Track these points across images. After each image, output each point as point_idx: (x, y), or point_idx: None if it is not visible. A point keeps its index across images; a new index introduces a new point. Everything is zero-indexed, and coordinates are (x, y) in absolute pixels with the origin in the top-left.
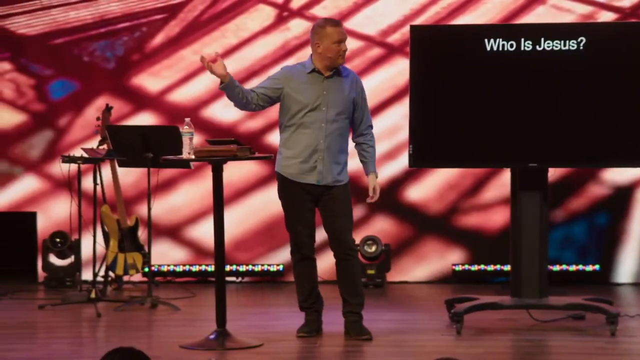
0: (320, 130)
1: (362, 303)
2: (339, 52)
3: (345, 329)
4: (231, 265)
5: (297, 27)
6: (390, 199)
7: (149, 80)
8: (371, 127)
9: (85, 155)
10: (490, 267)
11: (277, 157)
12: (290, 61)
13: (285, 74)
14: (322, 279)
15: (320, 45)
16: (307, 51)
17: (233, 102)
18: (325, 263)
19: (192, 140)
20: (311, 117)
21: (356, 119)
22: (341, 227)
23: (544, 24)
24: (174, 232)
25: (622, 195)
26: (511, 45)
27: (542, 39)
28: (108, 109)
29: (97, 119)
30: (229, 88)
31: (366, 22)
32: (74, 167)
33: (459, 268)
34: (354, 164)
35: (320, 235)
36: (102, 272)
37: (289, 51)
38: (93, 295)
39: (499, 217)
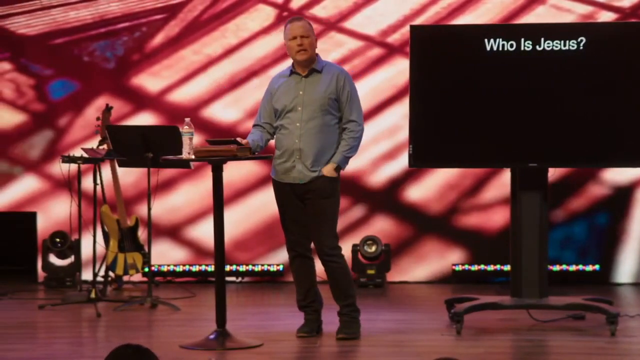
0: (295, 130)
1: (350, 304)
2: (294, 48)
3: None
4: (231, 265)
5: None
6: (390, 199)
7: (149, 80)
8: (353, 122)
9: (85, 155)
10: (490, 267)
11: None
12: (290, 61)
13: (271, 82)
14: (322, 279)
15: (285, 45)
16: None
17: None
18: None
19: (192, 140)
20: (289, 117)
21: (340, 114)
22: (318, 232)
23: (544, 24)
24: (173, 232)
25: (622, 195)
26: (511, 45)
27: (542, 39)
28: (108, 109)
29: (97, 119)
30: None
31: (366, 22)
32: (74, 167)
33: (459, 268)
34: (352, 163)
35: None
36: (102, 272)
37: None
38: (93, 295)
39: (499, 217)
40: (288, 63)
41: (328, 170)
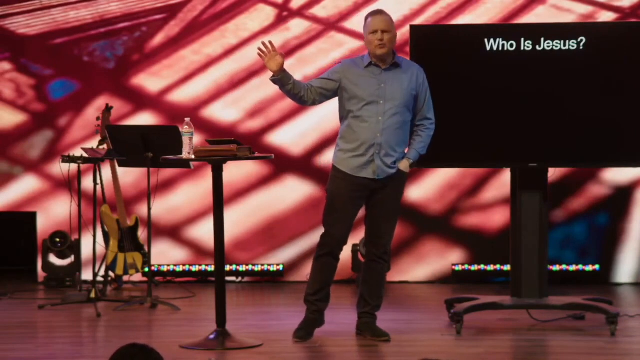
0: (377, 124)
1: (380, 305)
2: (374, 42)
3: (358, 328)
4: (231, 265)
5: (297, 27)
6: None
7: (149, 80)
8: (429, 119)
9: (85, 155)
10: (490, 267)
11: (334, 150)
12: (290, 61)
13: (344, 67)
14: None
15: (365, 39)
16: (307, 51)
17: (286, 96)
18: None
19: (192, 140)
20: (368, 110)
21: (415, 111)
22: (385, 231)
23: (544, 24)
24: (173, 232)
25: (622, 195)
26: (511, 45)
27: (542, 39)
28: (108, 109)
29: (97, 118)
30: (279, 84)
31: None
32: (73, 167)
33: (458, 268)
34: None
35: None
36: (102, 272)
37: (289, 51)
38: (93, 295)
39: (499, 217)
40: (288, 62)
41: (404, 165)
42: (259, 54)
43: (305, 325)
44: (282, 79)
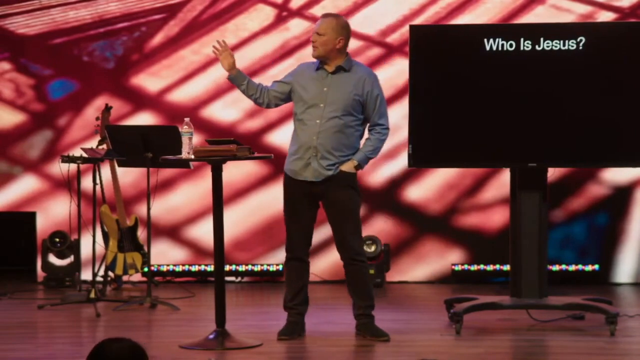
0: (314, 126)
1: (372, 305)
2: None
3: (357, 330)
4: (230, 265)
5: (297, 27)
6: (390, 199)
7: (149, 80)
8: (380, 125)
9: (84, 155)
10: (490, 267)
11: None
12: (290, 61)
13: (298, 70)
14: (322, 278)
15: None
16: (307, 51)
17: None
18: (324, 263)
19: (191, 140)
20: (309, 113)
21: (366, 116)
22: (345, 231)
23: (543, 24)
24: (173, 232)
25: (621, 195)
26: (510, 45)
27: (542, 39)
28: (107, 109)
29: (97, 118)
30: (234, 82)
31: (366, 22)
32: (73, 167)
33: (458, 268)
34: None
35: (319, 235)
36: (101, 272)
37: (288, 51)
38: (92, 295)
39: (498, 217)
40: (288, 62)
41: (347, 167)
42: (213, 52)
43: (288, 325)
44: (236, 78)
